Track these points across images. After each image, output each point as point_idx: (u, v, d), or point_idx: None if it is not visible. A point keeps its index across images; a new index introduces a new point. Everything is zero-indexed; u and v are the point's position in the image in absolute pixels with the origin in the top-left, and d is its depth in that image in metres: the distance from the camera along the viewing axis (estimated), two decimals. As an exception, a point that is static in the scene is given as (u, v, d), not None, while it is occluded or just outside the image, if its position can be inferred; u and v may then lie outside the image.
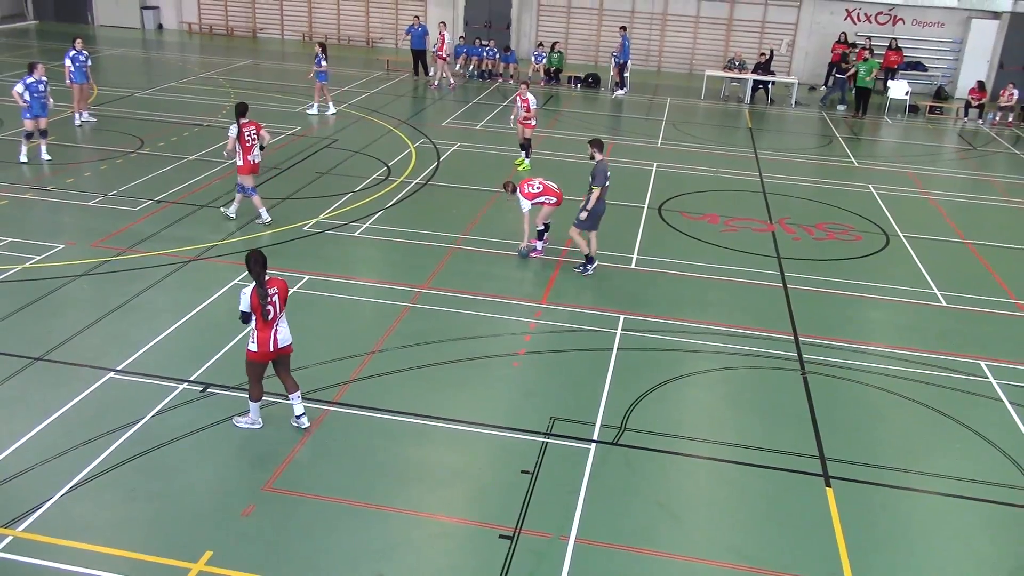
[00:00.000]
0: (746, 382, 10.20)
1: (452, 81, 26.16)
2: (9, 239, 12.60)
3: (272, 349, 8.31)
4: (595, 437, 8.80)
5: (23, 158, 16.10)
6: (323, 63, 21.28)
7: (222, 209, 14.20)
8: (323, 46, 21.86)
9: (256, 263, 8.11)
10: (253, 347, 8.30)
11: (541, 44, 28.16)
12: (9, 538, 6.95)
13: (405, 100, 24.10)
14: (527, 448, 8.57)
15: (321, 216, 14.41)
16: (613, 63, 26.94)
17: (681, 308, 11.88)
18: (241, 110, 13.41)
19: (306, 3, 33.20)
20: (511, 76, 27.51)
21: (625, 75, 26.74)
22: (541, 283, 12.47)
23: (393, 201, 15.43)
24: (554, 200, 12.99)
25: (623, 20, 30.87)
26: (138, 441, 8.28)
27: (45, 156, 16.38)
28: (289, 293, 8.53)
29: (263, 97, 23.09)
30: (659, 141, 21.05)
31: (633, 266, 13.25)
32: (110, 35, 32.04)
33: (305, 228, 13.87)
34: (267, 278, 8.19)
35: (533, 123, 17.82)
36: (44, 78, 16.18)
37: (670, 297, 12.28)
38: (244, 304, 8.15)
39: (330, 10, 33.07)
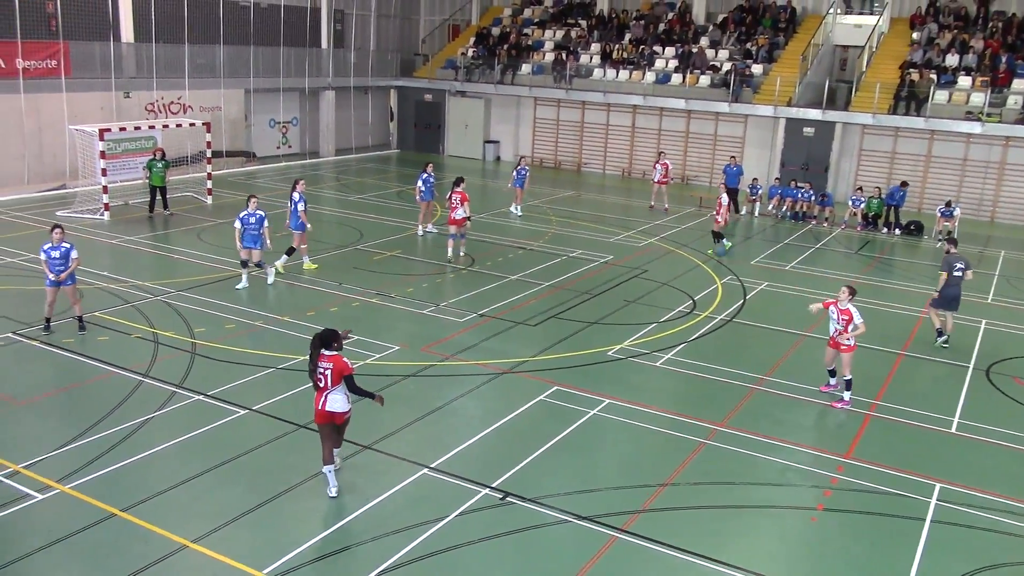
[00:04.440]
0: (1091, 583, 8.84)
1: (653, 205, 28.11)
2: (356, 337, 14.37)
3: (321, 409, 9.35)
4: (899, 614, 8.08)
5: (240, 286, 16.92)
6: (524, 172, 25.65)
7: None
8: (523, 158, 27.61)
9: (313, 341, 9.31)
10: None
11: (860, 188, 27.32)
12: (327, 606, 7.77)
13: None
14: (820, 612, 8.06)
15: (625, 343, 14.89)
16: (938, 213, 25.43)
17: (1010, 485, 10.63)
18: (457, 181, 19.47)
19: (628, 142, 35.08)
20: (825, 219, 26.90)
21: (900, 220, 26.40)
22: (847, 436, 11.83)
23: (697, 334, 15.56)
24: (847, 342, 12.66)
25: (954, 168, 29.19)
26: (441, 537, 8.92)
27: (243, 285, 16.85)
28: (348, 373, 9.30)
29: (579, 225, 24.58)
30: (989, 296, 19.33)
31: (953, 430, 12.16)
32: (455, 164, 35.98)
33: (609, 353, 14.39)
34: (330, 354, 9.23)
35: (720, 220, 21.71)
36: (258, 212, 16.65)
37: (997, 470, 11.06)
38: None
39: (650, 148, 34.63)
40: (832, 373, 13.12)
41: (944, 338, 15.59)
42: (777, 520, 9.67)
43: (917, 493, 10.28)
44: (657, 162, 28.25)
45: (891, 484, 10.49)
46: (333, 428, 9.57)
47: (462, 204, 19.28)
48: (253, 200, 16.74)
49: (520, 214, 25.58)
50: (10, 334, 13.91)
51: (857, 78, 31.41)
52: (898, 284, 20.01)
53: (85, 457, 10.16)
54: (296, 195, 17.92)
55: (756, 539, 9.29)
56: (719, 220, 21.77)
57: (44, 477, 9.68)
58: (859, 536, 9.41)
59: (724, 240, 22.00)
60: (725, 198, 21.82)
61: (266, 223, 16.72)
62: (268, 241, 16.87)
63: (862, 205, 26.54)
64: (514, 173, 25.85)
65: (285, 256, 18.12)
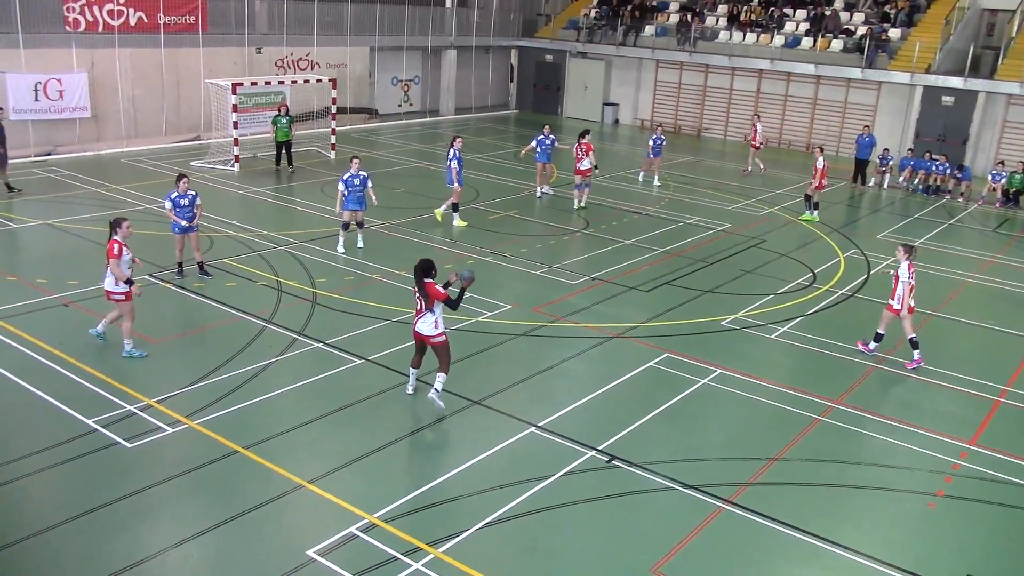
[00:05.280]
0: None
1: (762, 167, 27.75)
2: (470, 295, 14.56)
3: (414, 328, 10.54)
4: (1020, 610, 7.73)
5: (341, 249, 16.73)
6: (661, 140, 24.69)
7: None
8: (659, 126, 26.08)
9: (415, 270, 10.36)
10: None
11: (1002, 163, 25.68)
12: (431, 556, 7.97)
13: (840, 208, 23.46)
14: (934, 601, 7.79)
15: (740, 313, 14.57)
16: None
17: None
18: (582, 133, 20.92)
19: (752, 108, 33.99)
20: (961, 194, 25.44)
21: None
22: (973, 421, 11.28)
23: (815, 308, 15.08)
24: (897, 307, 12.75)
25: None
26: (545, 496, 9.02)
27: (341, 246, 16.67)
28: (441, 298, 10.22)
29: (698, 192, 24.08)
30: None
31: (1094, 424, 11.44)
32: (573, 125, 35.69)
33: (723, 323, 14.13)
34: (428, 281, 10.22)
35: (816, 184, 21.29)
36: (361, 173, 16.45)
37: None
38: None
39: (775, 115, 33.48)
40: (915, 344, 12.87)
41: None
42: (891, 503, 9.35)
43: (1048, 486, 9.76)
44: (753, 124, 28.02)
45: (1019, 475, 9.96)
46: (426, 347, 10.64)
47: (587, 155, 20.52)
48: (356, 161, 16.50)
49: (658, 183, 24.77)
50: (146, 276, 14.74)
51: (1006, 44, 29.40)
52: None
53: (212, 395, 10.72)
54: (452, 152, 18.83)
55: (868, 521, 9.01)
56: (815, 184, 21.26)
57: (175, 412, 10.28)
58: (979, 526, 9.00)
59: (814, 211, 21.54)
60: (821, 161, 21.12)
61: (370, 183, 16.61)
62: (374, 198, 16.73)
63: (1003, 180, 24.99)
64: (650, 142, 24.81)
65: (455, 215, 19.10)
